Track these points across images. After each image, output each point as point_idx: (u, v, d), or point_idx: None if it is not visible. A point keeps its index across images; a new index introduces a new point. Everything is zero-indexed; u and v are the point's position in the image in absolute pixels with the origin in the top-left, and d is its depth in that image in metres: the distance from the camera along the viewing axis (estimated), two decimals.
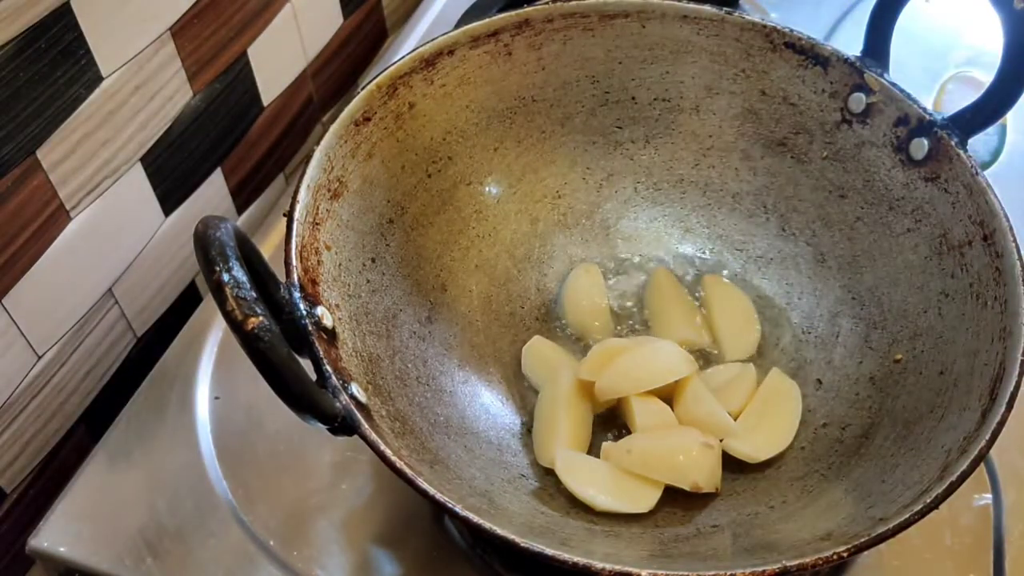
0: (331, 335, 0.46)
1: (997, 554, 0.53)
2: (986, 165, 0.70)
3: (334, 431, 0.42)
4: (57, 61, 0.50)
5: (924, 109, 0.54)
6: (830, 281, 0.58)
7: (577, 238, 0.62)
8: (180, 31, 0.58)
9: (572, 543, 0.45)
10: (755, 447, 0.53)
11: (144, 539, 0.53)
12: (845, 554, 0.40)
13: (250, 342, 0.37)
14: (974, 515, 0.54)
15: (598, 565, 0.39)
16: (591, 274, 0.61)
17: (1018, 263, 0.48)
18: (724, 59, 0.59)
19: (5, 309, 0.52)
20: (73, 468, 0.57)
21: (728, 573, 0.40)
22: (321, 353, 0.43)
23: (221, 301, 0.37)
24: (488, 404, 0.55)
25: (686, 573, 0.42)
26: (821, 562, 0.40)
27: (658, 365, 0.54)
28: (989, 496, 0.55)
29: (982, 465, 0.55)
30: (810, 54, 0.57)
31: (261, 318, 0.37)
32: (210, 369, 0.61)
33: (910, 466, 0.45)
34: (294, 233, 0.47)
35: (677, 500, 0.51)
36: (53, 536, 0.54)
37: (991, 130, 0.53)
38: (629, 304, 0.61)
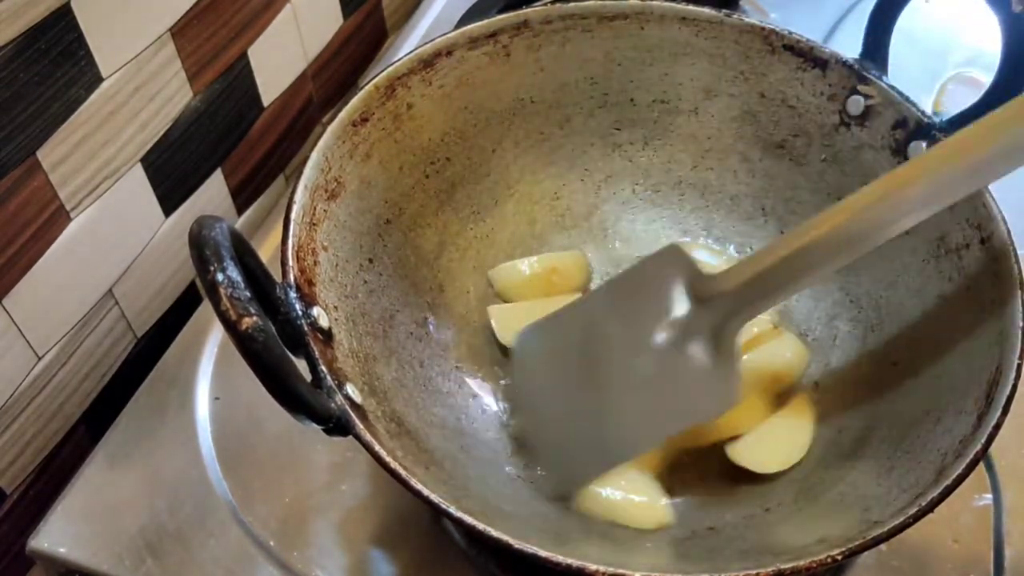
0: (327, 335, 0.46)
1: (997, 554, 0.53)
2: None
3: (329, 432, 0.42)
4: (57, 62, 0.50)
5: (922, 112, 0.53)
6: (828, 284, 0.58)
7: (575, 240, 0.62)
8: (180, 32, 0.58)
9: (568, 545, 0.45)
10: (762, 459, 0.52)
11: (144, 539, 0.54)
12: (839, 557, 0.40)
13: (244, 342, 0.37)
14: (974, 515, 0.54)
15: (592, 567, 0.39)
16: None
17: (1015, 266, 0.48)
18: (723, 61, 0.59)
19: (5, 310, 0.52)
20: (73, 469, 0.57)
21: (723, 575, 0.40)
22: (316, 353, 0.43)
23: (215, 301, 0.37)
24: (485, 405, 0.55)
25: (681, 575, 0.43)
26: (816, 565, 0.40)
27: None
28: (989, 496, 0.55)
29: (982, 466, 0.55)
30: (809, 56, 0.57)
31: (255, 318, 0.37)
32: (210, 369, 0.61)
33: (906, 469, 0.45)
34: (291, 233, 0.47)
35: (673, 501, 0.51)
36: (53, 537, 0.54)
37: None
38: None
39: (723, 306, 0.48)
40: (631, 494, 0.51)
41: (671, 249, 0.52)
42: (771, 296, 0.48)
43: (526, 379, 0.55)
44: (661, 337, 0.49)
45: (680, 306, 0.49)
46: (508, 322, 0.58)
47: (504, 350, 0.58)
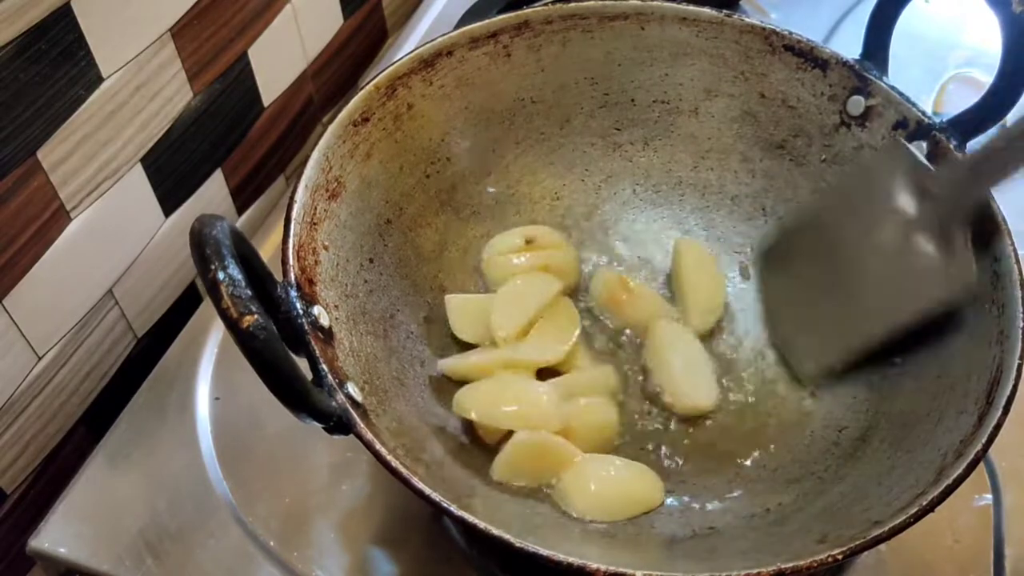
0: (328, 334, 0.46)
1: (997, 555, 0.53)
2: None
3: (330, 430, 0.42)
4: (57, 62, 0.51)
5: (923, 112, 0.54)
6: None
7: (575, 240, 0.62)
8: (180, 32, 0.58)
9: (567, 544, 0.45)
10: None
11: (144, 540, 0.54)
12: (840, 557, 0.40)
13: (245, 340, 0.37)
14: (974, 516, 0.54)
15: (593, 565, 0.39)
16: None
17: (1016, 267, 0.48)
18: (723, 61, 0.59)
19: (5, 310, 0.52)
20: (73, 469, 0.57)
21: (724, 575, 0.40)
22: (317, 352, 0.43)
23: (216, 299, 0.37)
24: None
25: (681, 574, 0.43)
26: (816, 564, 0.40)
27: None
28: (989, 497, 0.55)
29: (982, 466, 0.55)
30: (809, 57, 0.57)
31: (256, 316, 0.37)
32: (210, 369, 0.61)
33: (906, 469, 0.45)
34: (291, 233, 0.47)
35: (672, 501, 0.51)
36: (53, 537, 0.54)
37: (992, 130, 0.53)
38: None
39: (948, 197, 0.50)
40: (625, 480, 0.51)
41: (892, 145, 0.54)
42: (993, 177, 0.50)
43: (773, 281, 0.59)
44: (892, 232, 0.52)
45: (906, 203, 0.52)
46: (463, 313, 0.57)
47: (454, 338, 0.56)
